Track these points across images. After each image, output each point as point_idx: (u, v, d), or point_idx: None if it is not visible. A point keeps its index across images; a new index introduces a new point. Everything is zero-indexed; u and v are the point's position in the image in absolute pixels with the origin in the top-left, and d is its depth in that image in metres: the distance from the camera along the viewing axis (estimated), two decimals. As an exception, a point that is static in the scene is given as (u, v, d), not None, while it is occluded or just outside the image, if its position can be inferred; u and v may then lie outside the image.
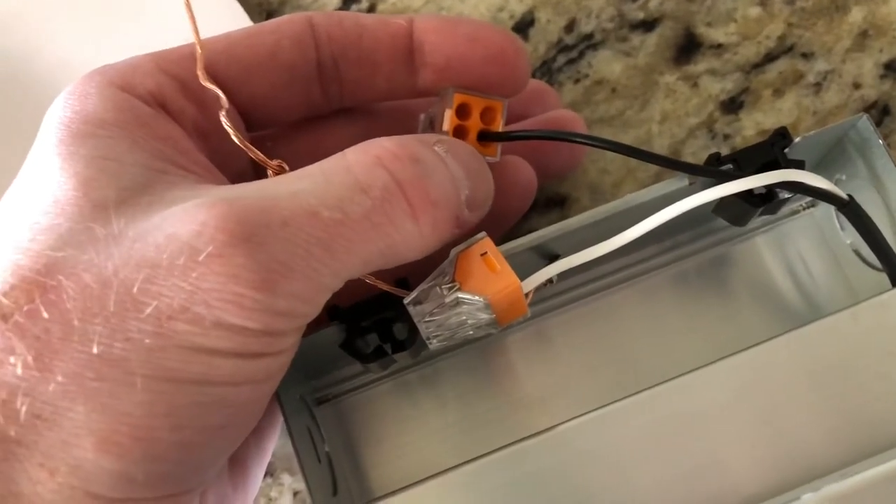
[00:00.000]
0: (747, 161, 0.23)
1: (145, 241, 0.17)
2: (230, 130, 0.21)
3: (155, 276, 0.17)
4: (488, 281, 0.21)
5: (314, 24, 0.23)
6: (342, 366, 0.28)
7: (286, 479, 0.30)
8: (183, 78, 0.22)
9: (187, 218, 0.17)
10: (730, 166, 0.23)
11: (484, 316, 0.22)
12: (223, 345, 0.17)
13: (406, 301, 0.21)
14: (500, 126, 0.23)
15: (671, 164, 0.23)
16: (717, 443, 0.22)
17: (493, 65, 0.24)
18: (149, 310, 0.16)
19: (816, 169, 0.27)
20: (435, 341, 0.22)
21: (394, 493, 0.22)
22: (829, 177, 0.26)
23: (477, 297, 0.21)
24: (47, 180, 0.18)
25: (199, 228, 0.17)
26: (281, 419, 0.25)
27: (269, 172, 0.21)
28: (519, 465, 0.22)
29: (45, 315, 0.16)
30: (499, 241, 0.23)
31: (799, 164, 0.23)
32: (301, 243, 0.17)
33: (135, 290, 0.17)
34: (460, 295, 0.21)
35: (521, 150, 0.26)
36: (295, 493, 0.30)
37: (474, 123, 0.23)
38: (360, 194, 0.19)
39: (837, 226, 0.28)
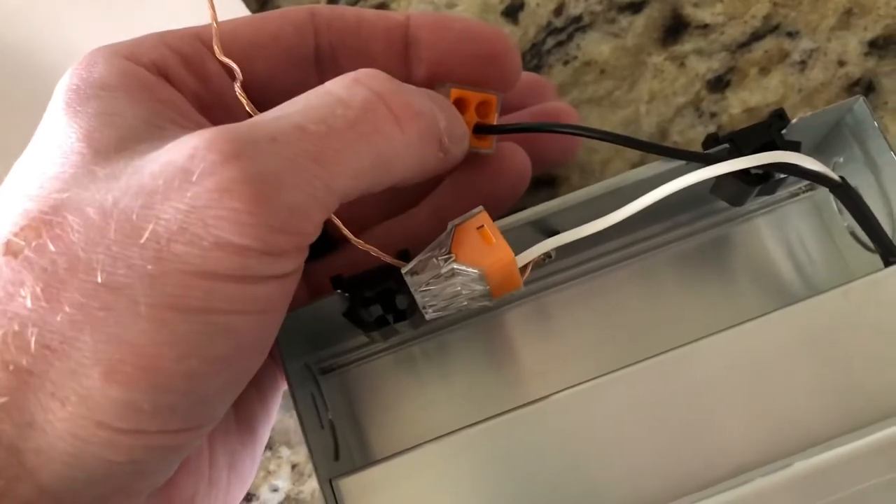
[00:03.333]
0: (744, 141, 0.24)
1: (142, 173, 0.18)
2: (244, 99, 0.22)
3: (152, 201, 0.17)
4: (483, 253, 0.22)
5: (316, 14, 0.24)
6: (347, 337, 0.28)
7: (284, 452, 0.30)
8: (186, 53, 0.22)
9: (180, 146, 0.18)
10: (726, 146, 0.24)
11: (478, 287, 0.22)
12: (223, 267, 0.17)
13: (404, 270, 0.22)
14: (494, 119, 0.24)
15: (662, 150, 0.24)
16: (711, 414, 0.22)
17: (485, 62, 0.24)
18: (147, 234, 0.17)
19: (815, 151, 0.28)
20: (430, 311, 0.23)
21: (393, 455, 0.23)
22: (826, 159, 0.27)
23: (472, 269, 0.21)
24: (54, 136, 0.19)
25: (191, 152, 0.17)
26: (283, 382, 0.25)
27: None
28: (512, 432, 0.23)
29: (52, 248, 0.17)
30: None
31: (795, 146, 0.24)
32: (290, 156, 0.18)
33: (133, 216, 0.17)
34: (455, 266, 0.21)
35: (517, 140, 0.27)
36: (293, 466, 0.30)
37: (470, 117, 0.24)
38: (342, 107, 0.19)
39: (835, 208, 0.28)
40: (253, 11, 0.32)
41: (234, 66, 0.22)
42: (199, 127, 0.21)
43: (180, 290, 0.17)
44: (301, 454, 0.30)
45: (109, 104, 0.20)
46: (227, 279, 0.17)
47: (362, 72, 0.20)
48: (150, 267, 0.17)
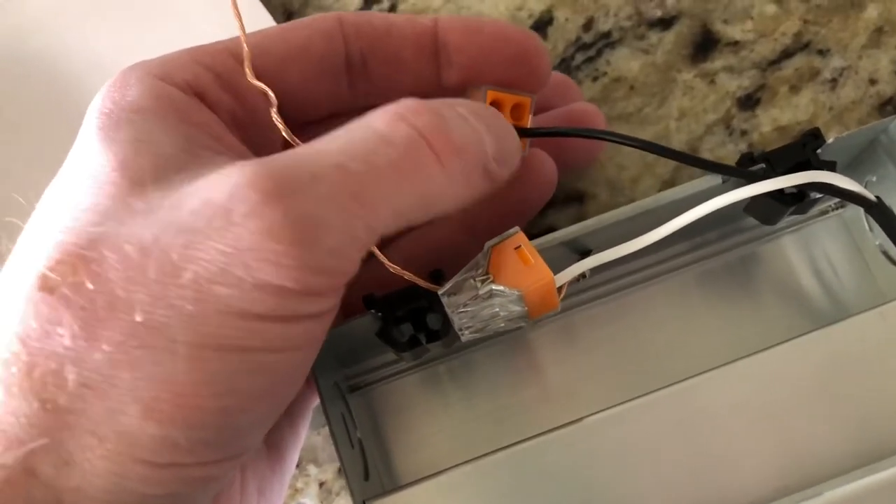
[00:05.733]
0: (779, 161, 0.24)
1: (181, 209, 0.17)
2: (281, 126, 0.21)
3: (193, 241, 0.17)
4: (522, 274, 0.22)
5: (344, 22, 0.24)
6: (374, 355, 0.28)
7: (312, 470, 0.30)
8: (219, 71, 0.22)
9: (220, 182, 0.17)
10: (762, 166, 0.24)
11: (516, 308, 0.22)
12: (263, 308, 0.17)
13: (441, 292, 0.22)
14: (528, 122, 0.24)
15: (697, 162, 0.23)
16: (736, 441, 0.22)
17: (517, 64, 0.24)
18: (188, 275, 0.17)
19: (848, 170, 0.27)
20: (467, 332, 0.23)
21: (424, 478, 0.23)
22: (860, 178, 0.27)
23: (511, 290, 0.21)
24: (87, 164, 0.19)
25: (232, 190, 0.17)
26: (313, 403, 0.25)
27: None
28: (540, 457, 0.23)
29: (90, 286, 0.17)
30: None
31: (831, 166, 0.23)
32: (332, 196, 0.17)
33: (174, 256, 0.17)
34: (494, 287, 0.21)
35: (542, 143, 0.27)
36: (321, 484, 0.30)
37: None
38: (384, 145, 0.19)
39: (866, 227, 0.28)
40: (279, 22, 0.32)
41: (269, 90, 0.22)
42: (233, 151, 0.21)
43: (219, 330, 0.17)
44: (328, 472, 0.30)
45: (142, 130, 0.19)
46: (266, 319, 0.17)
47: (404, 105, 0.20)
48: (189, 307, 0.17)
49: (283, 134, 0.21)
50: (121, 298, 0.17)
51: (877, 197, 0.23)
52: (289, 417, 0.25)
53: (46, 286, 0.17)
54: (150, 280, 0.17)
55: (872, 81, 0.31)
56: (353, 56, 0.24)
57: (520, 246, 0.22)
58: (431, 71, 0.25)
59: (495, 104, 0.23)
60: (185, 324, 0.17)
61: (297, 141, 0.21)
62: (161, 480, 0.17)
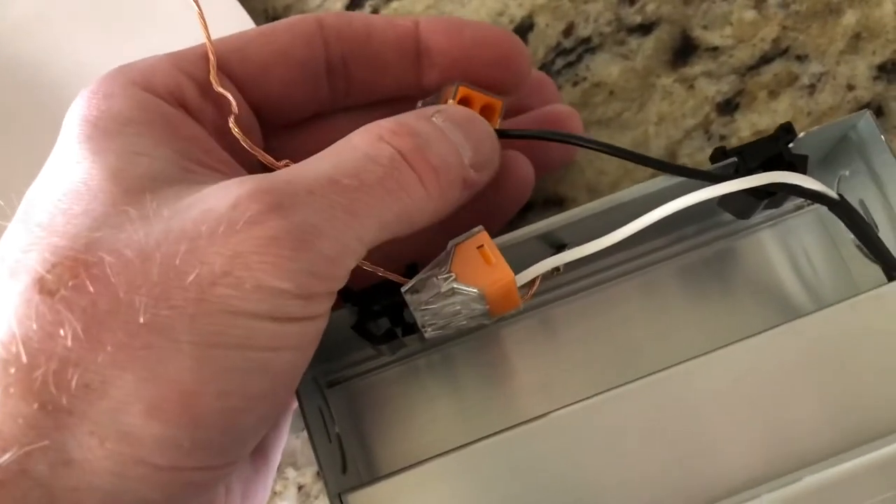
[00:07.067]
0: (752, 155, 0.24)
1: (182, 218, 0.18)
2: (239, 135, 0.22)
3: (196, 246, 0.17)
4: (483, 273, 0.22)
5: (324, 25, 0.24)
6: (353, 350, 0.28)
7: (291, 473, 0.30)
8: (200, 79, 0.22)
9: (221, 195, 0.18)
10: (734, 160, 0.24)
11: (477, 307, 0.22)
12: (262, 308, 0.18)
13: (404, 290, 0.22)
14: (497, 123, 0.24)
15: (667, 167, 0.24)
16: (714, 429, 0.22)
17: (498, 66, 0.25)
18: (191, 277, 0.17)
19: (822, 164, 0.28)
20: (430, 329, 0.23)
21: (400, 471, 0.23)
22: (833, 172, 0.27)
23: (471, 288, 0.22)
24: (77, 172, 0.19)
25: (234, 202, 0.18)
26: (294, 404, 0.25)
27: None
28: (518, 448, 0.23)
29: (91, 289, 0.17)
30: (499, 234, 0.24)
31: (802, 160, 0.24)
32: (327, 208, 0.19)
33: (177, 261, 0.17)
34: (455, 285, 0.22)
35: (518, 143, 0.27)
36: (299, 487, 0.30)
37: None
38: (371, 164, 0.20)
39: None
40: (258, 24, 0.32)
41: (231, 97, 0.22)
42: (224, 165, 0.22)
43: (221, 329, 0.17)
44: (307, 475, 0.30)
45: (135, 143, 0.20)
46: (266, 319, 0.18)
47: (383, 127, 0.21)
48: (192, 308, 0.17)
49: (243, 143, 0.22)
50: (123, 301, 0.17)
51: (839, 195, 0.23)
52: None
53: (45, 289, 0.17)
54: (152, 283, 0.17)
55: (850, 87, 0.31)
56: (333, 59, 0.24)
57: (482, 245, 0.22)
58: (413, 72, 0.25)
59: (465, 101, 0.23)
60: (188, 324, 0.17)
61: (259, 151, 0.22)
62: (160, 483, 0.17)
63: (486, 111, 0.24)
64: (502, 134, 0.24)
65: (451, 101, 0.23)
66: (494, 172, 0.23)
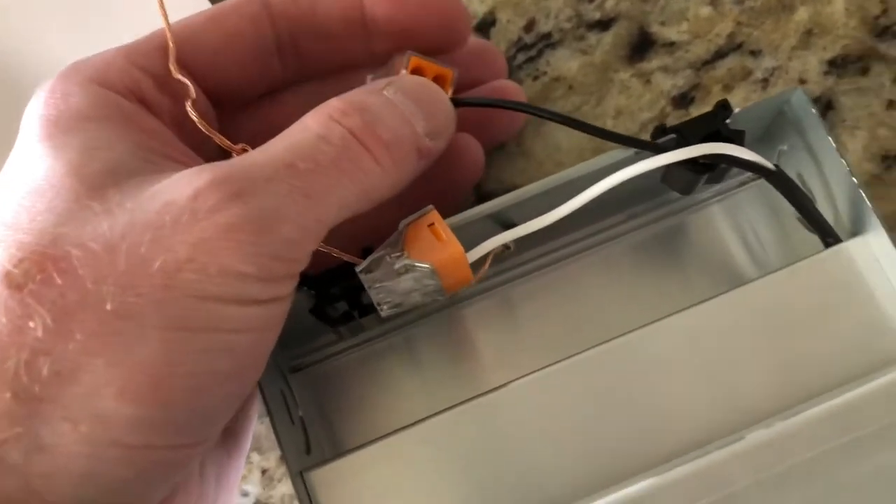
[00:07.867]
0: (691, 132, 0.24)
1: (145, 209, 0.18)
2: (196, 119, 0.22)
3: (160, 235, 0.18)
4: (434, 249, 0.23)
5: (269, 3, 0.24)
6: (315, 336, 0.29)
7: (255, 457, 0.31)
8: (155, 72, 0.23)
9: (181, 184, 0.19)
10: (673, 136, 0.25)
11: (430, 283, 0.23)
12: (227, 291, 0.18)
13: (358, 269, 0.23)
14: (449, 93, 0.25)
15: (610, 136, 0.24)
16: (667, 392, 0.24)
17: (441, 28, 0.26)
18: (157, 264, 0.18)
19: (761, 140, 0.29)
20: (385, 307, 0.23)
21: (359, 447, 0.24)
22: (772, 147, 0.28)
23: (423, 264, 0.22)
24: (38, 169, 0.20)
25: (194, 192, 0.18)
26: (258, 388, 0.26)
27: (234, 155, 0.22)
28: (477, 419, 0.24)
29: (59, 281, 0.17)
30: (451, 214, 0.24)
31: (740, 135, 0.24)
32: (285, 192, 0.19)
33: (142, 249, 0.18)
34: (407, 262, 0.22)
35: (462, 124, 0.27)
36: (263, 471, 0.31)
37: None
38: (324, 144, 0.20)
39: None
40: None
41: (189, 83, 0.23)
42: (184, 156, 0.22)
43: (187, 313, 0.18)
44: (271, 460, 0.31)
45: (95, 138, 0.20)
46: (230, 302, 0.18)
47: (332, 107, 0.21)
48: (159, 294, 0.18)
49: (200, 127, 0.22)
50: (91, 291, 0.17)
51: (776, 165, 0.24)
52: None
53: (14, 284, 0.18)
54: (119, 272, 0.18)
55: (802, 81, 0.32)
56: (282, 37, 0.25)
57: (433, 223, 0.23)
58: (361, 42, 0.26)
59: (417, 71, 0.24)
60: (155, 309, 0.18)
61: (216, 134, 0.22)
62: (133, 462, 0.18)
63: (437, 81, 0.24)
64: (456, 102, 0.24)
65: (403, 71, 0.24)
66: (450, 139, 0.24)
